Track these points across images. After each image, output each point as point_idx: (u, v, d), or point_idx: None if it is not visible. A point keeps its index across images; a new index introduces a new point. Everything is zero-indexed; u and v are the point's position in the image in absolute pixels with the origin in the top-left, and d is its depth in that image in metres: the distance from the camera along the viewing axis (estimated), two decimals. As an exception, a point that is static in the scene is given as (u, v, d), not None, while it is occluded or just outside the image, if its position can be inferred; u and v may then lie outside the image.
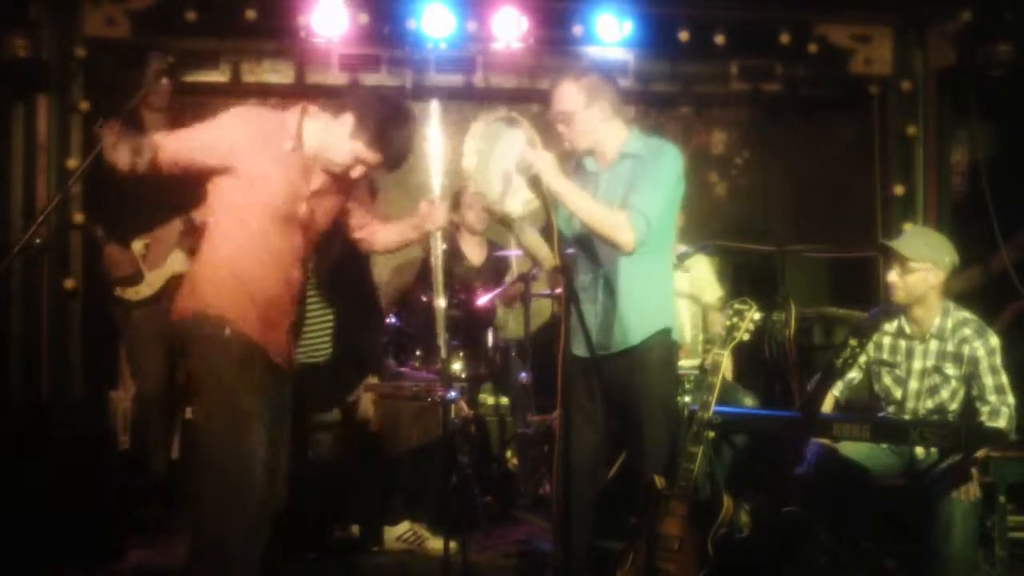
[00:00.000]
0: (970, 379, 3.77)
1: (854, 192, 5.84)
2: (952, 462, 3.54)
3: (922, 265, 3.76)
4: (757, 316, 3.59)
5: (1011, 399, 3.72)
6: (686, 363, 4.62)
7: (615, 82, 3.61)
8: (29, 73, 4.86)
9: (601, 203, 3.41)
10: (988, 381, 3.73)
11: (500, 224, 3.59)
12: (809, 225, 6.22)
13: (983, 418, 3.71)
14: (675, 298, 3.77)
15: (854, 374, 3.95)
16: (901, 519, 3.82)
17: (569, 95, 3.51)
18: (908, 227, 4.12)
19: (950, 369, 3.79)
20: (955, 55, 5.35)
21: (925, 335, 3.84)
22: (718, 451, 4.57)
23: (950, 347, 3.79)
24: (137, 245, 4.68)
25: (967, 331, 3.77)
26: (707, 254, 5.08)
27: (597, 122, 3.53)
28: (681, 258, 4.54)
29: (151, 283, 4.69)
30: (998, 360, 3.74)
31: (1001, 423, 3.67)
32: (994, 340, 3.76)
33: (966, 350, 3.76)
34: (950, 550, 3.53)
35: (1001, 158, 5.51)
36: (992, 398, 3.72)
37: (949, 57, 5.39)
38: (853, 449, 3.83)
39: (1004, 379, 3.73)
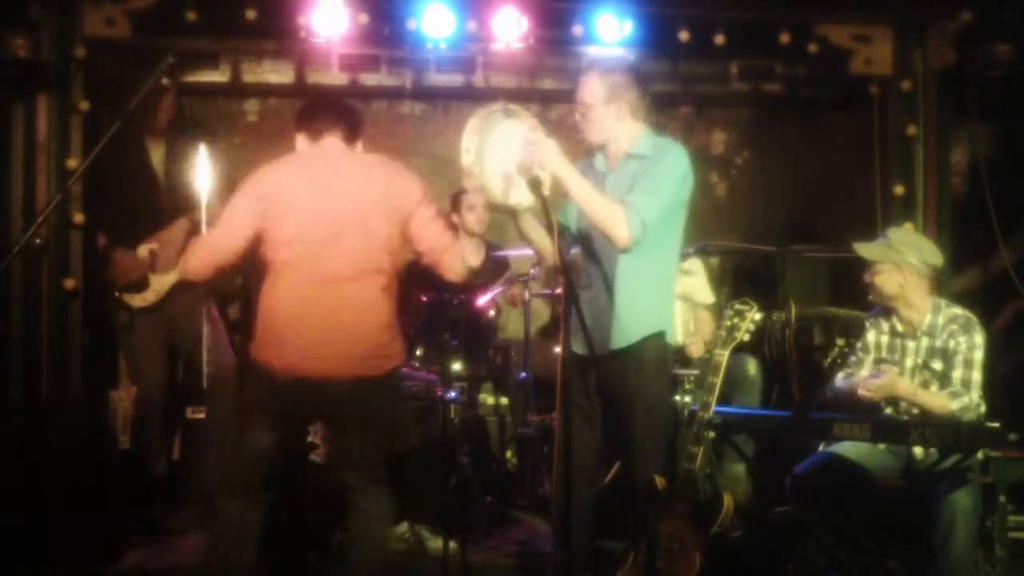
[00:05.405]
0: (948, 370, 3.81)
1: (854, 192, 5.83)
2: (952, 462, 3.54)
3: (883, 267, 3.88)
4: (757, 316, 3.60)
5: (975, 395, 3.74)
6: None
7: (644, 84, 3.58)
8: (29, 73, 4.85)
9: (604, 197, 3.42)
10: (957, 373, 3.76)
11: (506, 213, 3.57)
12: (809, 225, 6.22)
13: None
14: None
15: (866, 372, 3.95)
16: (901, 519, 3.82)
17: (591, 87, 3.50)
18: (891, 229, 4.14)
19: (937, 364, 3.82)
20: (955, 55, 5.34)
21: (916, 332, 3.89)
22: (718, 451, 4.58)
23: (938, 343, 3.84)
24: (143, 250, 4.69)
25: (955, 327, 3.82)
26: (707, 254, 5.08)
27: (611, 120, 3.52)
28: (681, 259, 4.54)
29: (157, 289, 4.71)
30: (976, 356, 3.76)
31: (953, 406, 3.70)
32: (979, 338, 3.79)
33: (951, 344, 3.80)
34: (950, 550, 3.53)
35: (1001, 158, 5.51)
36: (957, 387, 3.75)
37: (949, 57, 5.38)
38: (853, 449, 3.84)
39: (974, 376, 3.75)
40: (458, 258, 3.50)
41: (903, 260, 3.87)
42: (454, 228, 5.52)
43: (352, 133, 3.51)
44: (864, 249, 3.94)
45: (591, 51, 5.42)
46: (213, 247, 3.37)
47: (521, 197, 3.35)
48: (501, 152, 3.30)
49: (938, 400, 3.72)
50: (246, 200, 3.35)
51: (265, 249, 3.35)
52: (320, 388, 3.30)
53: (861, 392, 3.75)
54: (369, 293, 3.35)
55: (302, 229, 3.31)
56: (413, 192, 3.45)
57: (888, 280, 3.88)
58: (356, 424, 3.39)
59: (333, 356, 3.29)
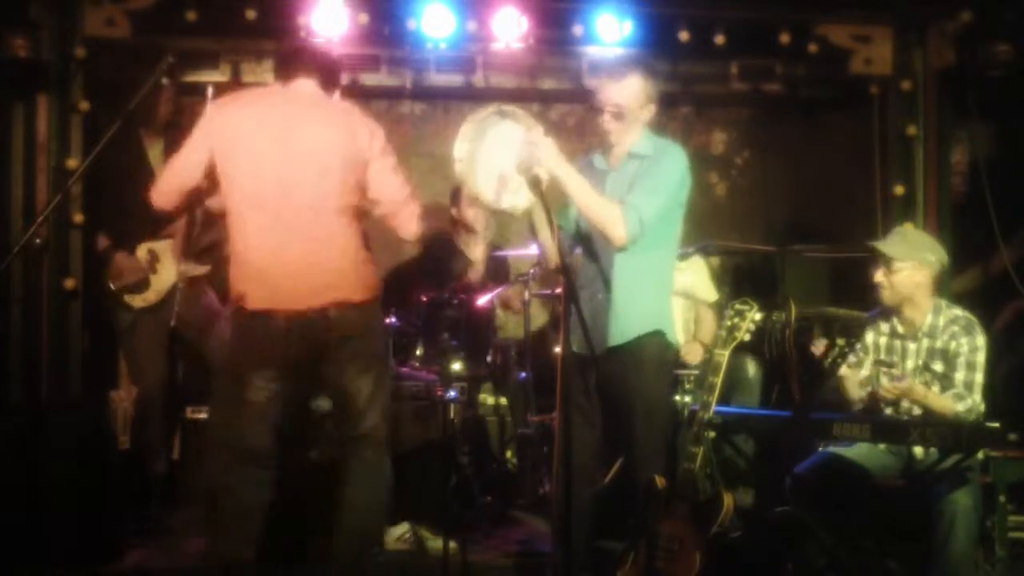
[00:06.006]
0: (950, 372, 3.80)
1: (854, 192, 5.83)
2: (952, 462, 3.54)
3: (905, 264, 3.84)
4: (758, 316, 3.60)
5: (977, 397, 3.74)
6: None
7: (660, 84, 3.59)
8: (29, 73, 4.85)
9: (602, 196, 3.41)
10: (960, 375, 3.76)
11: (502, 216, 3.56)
12: (809, 225, 6.22)
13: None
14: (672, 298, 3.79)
15: (865, 372, 3.94)
16: (901, 519, 3.82)
17: (632, 90, 3.47)
18: (899, 228, 4.13)
19: (938, 366, 3.82)
20: (955, 55, 5.34)
21: (917, 333, 3.87)
22: (718, 451, 4.57)
23: (939, 344, 3.83)
24: (142, 251, 4.69)
25: (956, 328, 3.82)
26: (707, 254, 5.08)
27: (641, 123, 3.52)
28: (680, 258, 4.55)
29: (158, 289, 4.72)
30: (978, 359, 3.76)
31: (959, 408, 3.70)
32: (980, 339, 3.79)
33: (952, 346, 3.80)
34: (950, 550, 3.53)
35: (1001, 158, 5.51)
36: (960, 389, 3.75)
37: (949, 57, 5.38)
38: (853, 449, 3.84)
39: (976, 378, 3.75)
40: (414, 217, 3.48)
41: (924, 258, 3.85)
42: (454, 223, 5.56)
43: (329, 80, 3.52)
44: (888, 247, 3.88)
45: (592, 51, 5.43)
46: (171, 173, 3.44)
47: (515, 201, 3.34)
48: (495, 155, 3.29)
49: (944, 402, 3.72)
50: (197, 134, 3.40)
51: (224, 189, 3.38)
52: (299, 322, 3.28)
53: (868, 388, 3.75)
54: (333, 229, 3.35)
55: (256, 168, 3.32)
56: (374, 140, 3.45)
57: (907, 279, 3.84)
58: (344, 353, 3.37)
59: (308, 290, 3.29)
